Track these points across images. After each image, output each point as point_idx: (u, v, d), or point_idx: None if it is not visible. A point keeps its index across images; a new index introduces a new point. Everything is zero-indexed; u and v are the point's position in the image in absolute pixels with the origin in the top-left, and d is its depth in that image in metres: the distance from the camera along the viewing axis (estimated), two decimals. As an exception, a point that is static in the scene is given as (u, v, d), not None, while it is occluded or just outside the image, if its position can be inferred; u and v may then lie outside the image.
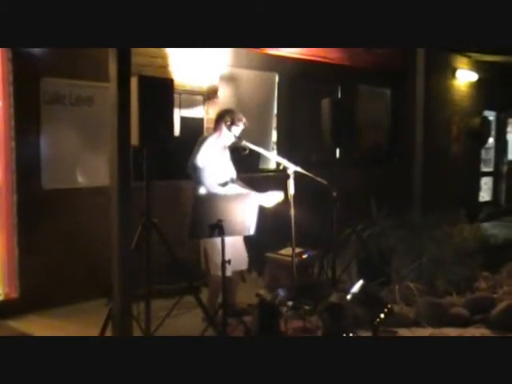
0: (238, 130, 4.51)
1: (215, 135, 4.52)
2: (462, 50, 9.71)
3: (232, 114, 4.55)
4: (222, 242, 3.75)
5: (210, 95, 6.07)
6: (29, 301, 4.73)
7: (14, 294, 4.81)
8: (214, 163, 4.38)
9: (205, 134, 4.60)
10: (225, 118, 4.51)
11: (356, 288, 4.23)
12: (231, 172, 4.59)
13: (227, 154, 4.63)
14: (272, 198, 4.55)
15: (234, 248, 3.98)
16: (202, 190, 4.35)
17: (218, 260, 4.09)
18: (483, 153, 11.55)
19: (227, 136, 4.50)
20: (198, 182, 4.38)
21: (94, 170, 5.20)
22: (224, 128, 4.48)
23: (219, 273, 4.21)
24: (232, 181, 4.52)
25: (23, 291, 4.79)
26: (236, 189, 4.46)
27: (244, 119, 4.55)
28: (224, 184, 4.42)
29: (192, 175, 4.43)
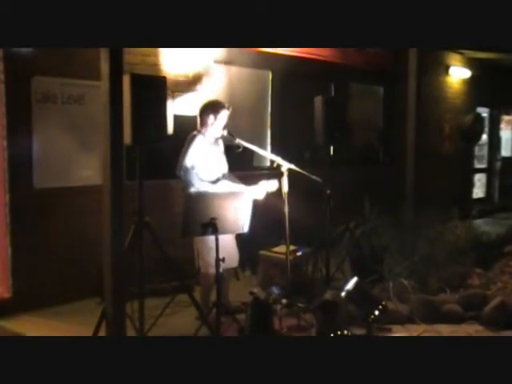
0: (223, 116, 4.47)
1: (203, 131, 4.49)
2: (455, 48, 9.73)
3: (212, 103, 4.56)
4: (216, 240, 3.74)
5: (204, 93, 6.06)
6: (21, 301, 4.71)
7: (7, 294, 4.79)
8: (203, 161, 4.37)
9: (195, 131, 4.55)
10: (206, 109, 4.49)
11: (350, 285, 4.22)
12: (223, 167, 4.57)
13: (220, 148, 4.61)
14: (263, 189, 4.52)
15: (224, 246, 3.97)
16: (193, 190, 4.34)
17: (209, 258, 4.09)
18: (476, 149, 11.59)
19: (215, 128, 4.46)
20: (188, 182, 4.35)
21: (86, 169, 5.18)
22: (209, 120, 4.45)
23: (209, 270, 4.22)
24: (224, 176, 4.50)
25: (16, 291, 4.76)
26: (227, 185, 4.45)
27: (227, 104, 4.52)
28: (215, 181, 4.41)
29: (181, 176, 4.40)
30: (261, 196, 4.52)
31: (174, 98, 5.73)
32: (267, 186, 4.54)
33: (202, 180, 4.35)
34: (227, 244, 4.33)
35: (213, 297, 4.14)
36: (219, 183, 4.42)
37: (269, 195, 4.60)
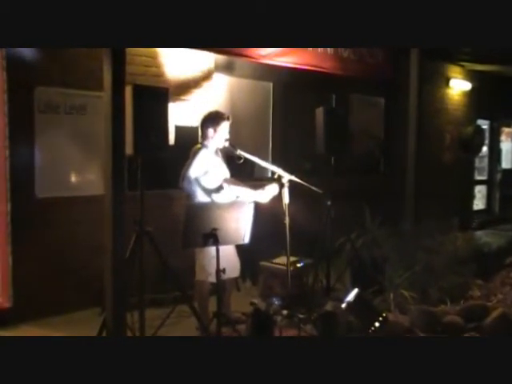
0: (223, 128, 4.48)
1: (205, 144, 4.50)
2: (456, 60, 9.78)
3: (211, 115, 4.57)
4: (217, 251, 3.73)
5: (205, 104, 6.08)
6: (22, 311, 4.70)
7: (7, 304, 4.77)
8: (207, 173, 4.38)
9: (198, 144, 4.57)
10: (206, 122, 4.52)
11: (350, 296, 4.23)
12: (226, 175, 4.57)
13: (220, 158, 4.61)
14: (267, 193, 4.53)
15: (225, 255, 3.96)
16: (192, 201, 4.35)
17: (206, 265, 4.10)
18: (477, 161, 11.61)
19: (216, 140, 4.48)
20: (191, 193, 4.37)
21: (87, 179, 5.19)
22: (209, 133, 4.47)
23: (207, 279, 4.24)
24: (225, 180, 4.49)
25: (16, 301, 4.75)
26: (232, 189, 4.44)
27: (226, 115, 4.55)
28: (218, 188, 4.41)
29: (184, 187, 4.42)
30: (265, 200, 4.53)
31: (175, 108, 5.75)
32: (271, 190, 4.55)
33: (205, 190, 4.37)
34: (229, 253, 4.33)
35: (213, 307, 4.14)
36: (223, 191, 4.42)
37: (270, 206, 4.60)
